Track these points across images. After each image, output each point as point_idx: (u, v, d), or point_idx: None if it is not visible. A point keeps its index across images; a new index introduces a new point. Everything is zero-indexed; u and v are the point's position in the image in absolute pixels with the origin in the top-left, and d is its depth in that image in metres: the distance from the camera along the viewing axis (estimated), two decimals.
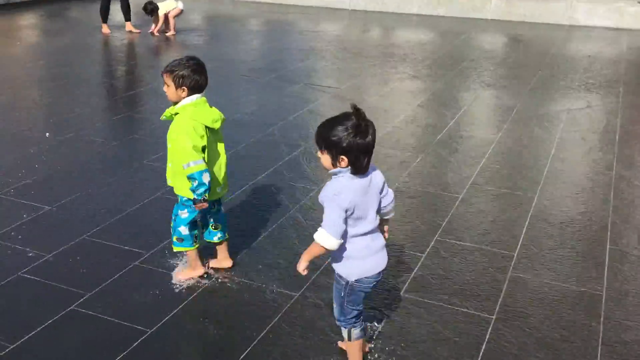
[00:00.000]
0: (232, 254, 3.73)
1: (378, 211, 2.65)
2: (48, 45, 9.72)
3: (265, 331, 3.14)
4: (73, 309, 3.26)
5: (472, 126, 6.41)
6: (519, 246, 4.04)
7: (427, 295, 3.50)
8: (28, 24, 11.60)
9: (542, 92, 7.67)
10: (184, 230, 3.40)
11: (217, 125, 3.22)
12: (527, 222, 4.36)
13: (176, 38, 10.40)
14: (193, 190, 3.14)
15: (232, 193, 4.58)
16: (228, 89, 7.44)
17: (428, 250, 3.96)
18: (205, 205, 3.20)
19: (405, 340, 3.13)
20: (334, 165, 2.51)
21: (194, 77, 3.15)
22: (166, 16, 10.45)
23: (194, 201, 3.18)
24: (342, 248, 2.58)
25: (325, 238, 2.52)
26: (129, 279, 3.56)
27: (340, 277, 2.68)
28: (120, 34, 10.43)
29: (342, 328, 2.81)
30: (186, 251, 3.50)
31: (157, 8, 10.35)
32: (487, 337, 3.18)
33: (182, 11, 10.56)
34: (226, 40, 10.55)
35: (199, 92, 3.20)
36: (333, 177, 2.55)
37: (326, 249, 2.55)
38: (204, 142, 3.16)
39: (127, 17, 10.44)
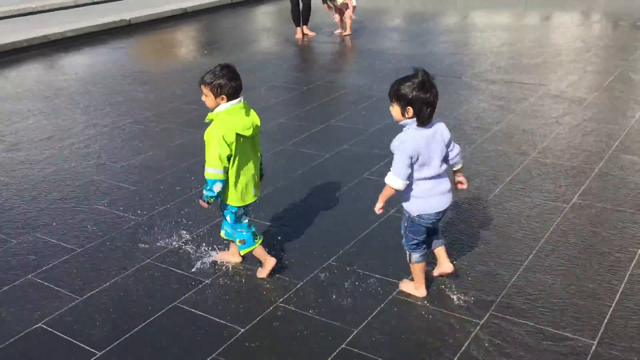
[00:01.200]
0: None
1: (445, 160, 3.09)
2: (225, 56, 9.87)
3: None
4: (344, 348, 3.01)
5: None
6: None
7: None
8: (197, 35, 11.97)
9: None
10: (243, 231, 3.54)
11: (248, 133, 3.30)
12: None
13: (352, 38, 10.19)
14: (206, 190, 3.33)
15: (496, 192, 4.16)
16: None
17: None
18: (206, 206, 3.40)
19: None
20: (403, 116, 2.96)
21: (231, 84, 3.28)
22: (341, 13, 10.25)
23: (201, 197, 3.38)
24: (408, 188, 3.06)
25: (392, 180, 3.03)
26: (390, 310, 3.26)
27: (406, 211, 3.18)
28: (292, 38, 10.43)
29: (406, 252, 3.29)
30: (253, 250, 3.59)
31: None
32: None
33: (355, 8, 10.28)
34: (404, 39, 10.18)
35: (236, 97, 3.31)
36: (403, 129, 3.00)
37: (394, 189, 3.04)
38: (231, 151, 3.28)
39: (306, 21, 10.40)
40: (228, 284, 3.57)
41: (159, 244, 4.02)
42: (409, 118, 2.95)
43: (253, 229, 3.59)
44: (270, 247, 3.83)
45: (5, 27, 11.68)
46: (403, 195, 3.13)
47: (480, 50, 8.87)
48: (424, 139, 2.95)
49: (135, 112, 6.90)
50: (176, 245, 3.99)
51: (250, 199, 3.49)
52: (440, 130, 3.02)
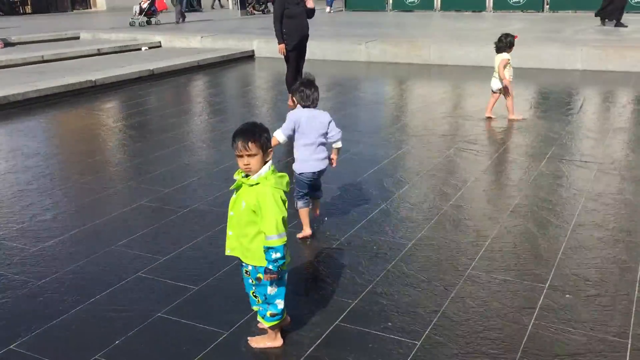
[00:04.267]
0: None
1: (322, 137, 4.45)
2: (235, 120, 9.13)
3: None
4: None
5: None
6: None
7: None
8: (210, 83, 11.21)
9: None
10: (280, 304, 3.22)
11: (288, 189, 3.20)
12: None
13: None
14: (271, 260, 3.02)
15: None
16: (477, 171, 6.57)
17: None
18: (275, 276, 3.07)
19: None
20: (294, 102, 4.52)
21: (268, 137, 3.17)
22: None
23: (266, 270, 3.05)
24: (297, 155, 4.51)
25: (277, 134, 4.40)
26: None
27: (294, 170, 4.50)
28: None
29: (295, 200, 4.55)
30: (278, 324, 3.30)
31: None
32: None
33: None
34: (405, 108, 9.80)
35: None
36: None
37: (278, 140, 4.40)
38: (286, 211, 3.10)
39: None
40: None
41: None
42: (297, 103, 4.46)
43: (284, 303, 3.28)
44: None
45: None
46: (294, 160, 4.52)
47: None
48: (305, 116, 4.39)
49: (155, 186, 6.02)
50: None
51: (288, 256, 3.19)
52: (320, 116, 4.44)
